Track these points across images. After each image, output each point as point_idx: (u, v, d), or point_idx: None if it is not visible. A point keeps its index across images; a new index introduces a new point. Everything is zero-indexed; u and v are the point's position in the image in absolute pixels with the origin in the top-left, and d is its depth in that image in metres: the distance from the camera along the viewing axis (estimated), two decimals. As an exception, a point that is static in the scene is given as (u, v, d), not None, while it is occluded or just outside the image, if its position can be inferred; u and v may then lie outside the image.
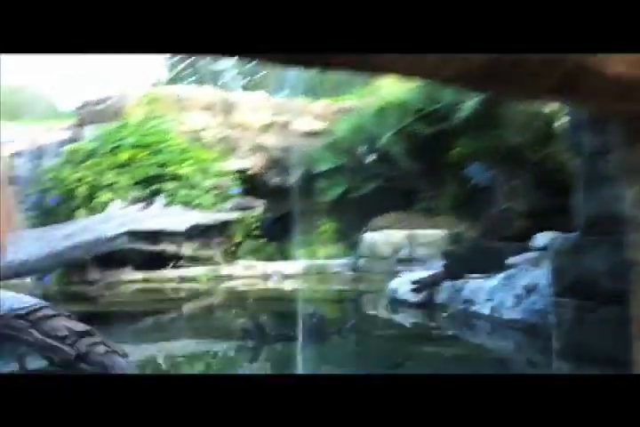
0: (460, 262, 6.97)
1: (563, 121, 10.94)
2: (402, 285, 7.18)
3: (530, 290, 5.88)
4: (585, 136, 4.12)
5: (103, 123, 11.06)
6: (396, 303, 7.05)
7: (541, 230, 7.61)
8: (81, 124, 12.39)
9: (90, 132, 11.04)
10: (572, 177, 9.98)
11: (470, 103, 10.50)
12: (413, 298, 6.87)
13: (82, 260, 8.54)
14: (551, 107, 10.80)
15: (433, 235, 9.83)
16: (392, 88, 12.97)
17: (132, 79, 14.00)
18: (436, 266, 9.11)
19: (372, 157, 11.56)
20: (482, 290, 6.31)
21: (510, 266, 6.51)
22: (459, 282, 6.63)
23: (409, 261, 9.62)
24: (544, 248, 6.47)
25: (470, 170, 10.87)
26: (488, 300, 6.17)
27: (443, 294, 6.73)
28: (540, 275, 5.87)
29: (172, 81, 17.24)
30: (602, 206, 3.83)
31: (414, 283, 6.93)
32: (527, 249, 6.82)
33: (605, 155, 3.88)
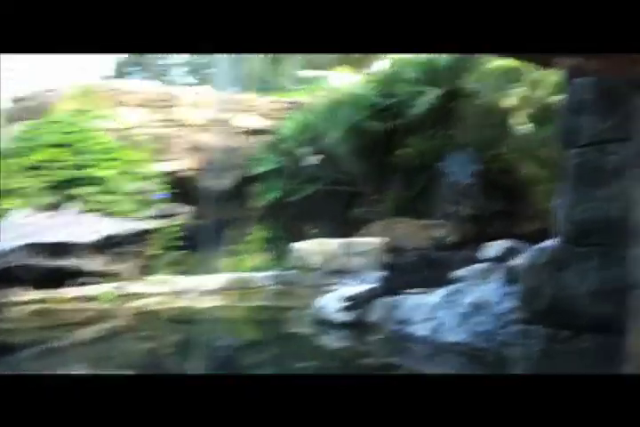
0: (400, 275, 6.02)
1: (518, 117, 10.03)
2: (332, 301, 6.18)
3: (477, 308, 5.01)
4: (587, 121, 3.32)
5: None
6: (324, 323, 6.03)
7: (488, 238, 6.76)
8: (11, 122, 11.26)
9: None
10: (522, 180, 9.19)
11: (425, 99, 9.49)
12: (344, 317, 5.85)
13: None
14: (510, 101, 9.83)
15: (370, 243, 8.77)
16: (344, 83, 11.97)
17: (73, 73, 12.95)
18: (374, 278, 8.14)
19: (312, 158, 10.53)
20: (421, 307, 5.38)
21: (456, 280, 5.60)
22: (395, 298, 5.70)
23: (343, 273, 8.57)
24: (495, 259, 5.64)
25: (447, 165, 9.82)
26: (428, 319, 5.25)
27: (377, 312, 5.76)
28: (490, 290, 5.08)
29: (119, 75, 16.16)
30: (596, 210, 3.10)
31: (346, 300, 5.94)
32: (475, 260, 5.89)
33: (608, 144, 3.13)
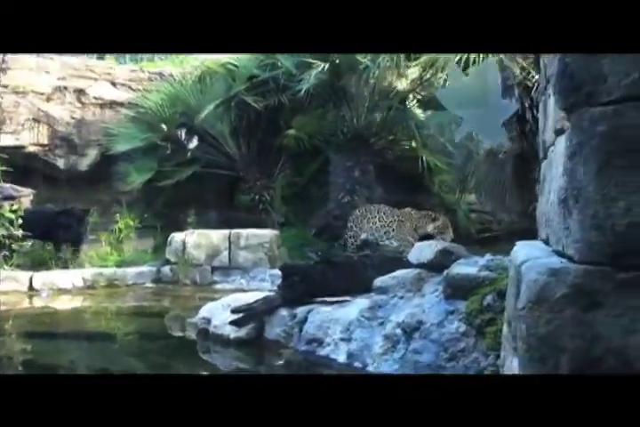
0: (303, 281, 4.82)
1: (413, 100, 9.39)
2: (217, 312, 4.93)
3: (410, 330, 3.92)
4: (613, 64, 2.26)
5: None
6: (209, 339, 4.75)
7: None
8: None
9: None
10: (421, 169, 8.55)
11: (313, 73, 8.46)
12: (234, 333, 4.62)
13: None
14: (406, 83, 9.13)
15: (260, 235, 7.65)
16: (217, 54, 10.68)
17: None
18: (263, 276, 7.10)
19: (187, 136, 9.20)
20: (334, 324, 4.27)
21: (377, 289, 4.51)
22: (300, 310, 4.57)
23: (228, 270, 7.39)
24: (426, 265, 4.54)
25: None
26: (343, 340, 4.17)
27: (276, 327, 4.56)
28: (426, 307, 3.97)
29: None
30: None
31: (235, 311, 4.71)
32: (401, 264, 4.82)
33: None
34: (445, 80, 9.15)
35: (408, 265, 4.84)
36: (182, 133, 9.40)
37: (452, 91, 5.68)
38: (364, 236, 7.34)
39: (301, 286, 4.81)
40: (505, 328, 2.85)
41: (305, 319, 4.47)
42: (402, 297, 4.35)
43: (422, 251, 4.94)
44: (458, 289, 3.95)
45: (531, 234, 3.93)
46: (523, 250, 2.74)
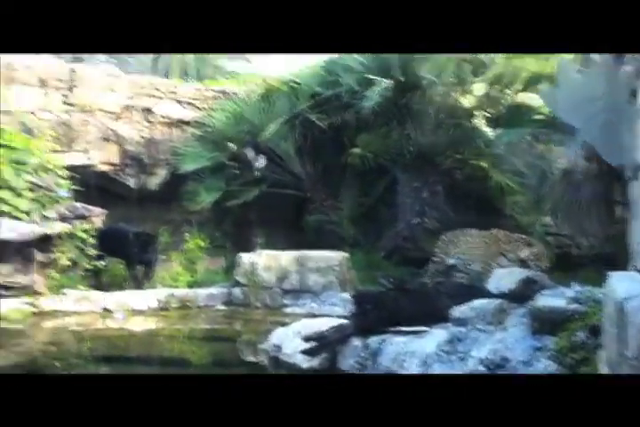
0: (376, 309, 4.75)
1: (481, 118, 9.21)
2: (288, 339, 4.91)
3: (493, 368, 3.80)
4: None
5: None
6: (281, 368, 4.73)
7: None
8: None
9: None
10: (493, 187, 8.35)
11: (377, 90, 8.39)
12: (306, 362, 4.58)
13: None
14: (472, 100, 8.96)
15: (329, 258, 7.60)
16: (280, 70, 10.72)
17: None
18: (334, 300, 7.04)
19: (255, 156, 9.24)
20: (410, 356, 4.18)
21: (456, 320, 4.41)
22: (373, 340, 4.48)
23: (298, 293, 7.36)
24: (508, 295, 4.41)
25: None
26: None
27: (349, 357, 4.51)
28: (510, 343, 3.84)
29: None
30: None
31: (307, 339, 4.66)
32: (480, 293, 4.68)
33: None
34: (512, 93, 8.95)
35: (487, 294, 4.73)
36: (248, 152, 9.45)
37: (562, 91, 4.97)
38: (451, 261, 7.20)
39: (374, 314, 4.73)
40: (605, 372, 2.72)
41: (379, 350, 4.37)
42: (483, 330, 4.23)
43: (502, 279, 4.82)
44: (545, 323, 3.81)
45: (615, 261, 3.75)
46: (621, 284, 2.61)
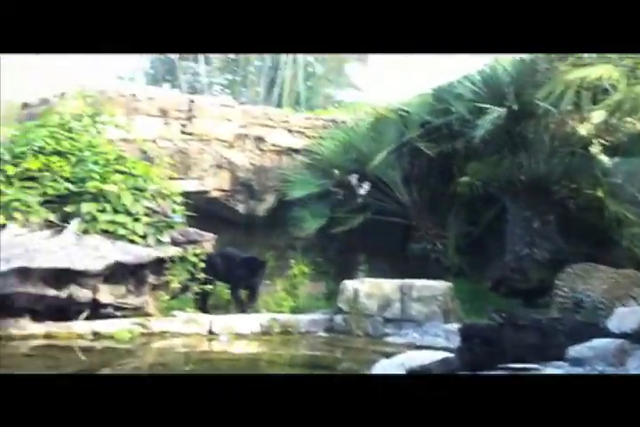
0: (485, 344, 4.51)
1: (598, 146, 8.79)
2: (391, 371, 4.74)
3: None
4: None
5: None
6: None
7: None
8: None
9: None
10: (609, 218, 7.89)
11: (488, 118, 8.20)
12: None
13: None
14: (590, 128, 8.57)
15: (433, 287, 7.42)
16: (389, 99, 10.75)
17: (86, 76, 11.60)
18: (437, 330, 6.85)
19: (360, 183, 9.27)
20: None
21: (572, 360, 4.11)
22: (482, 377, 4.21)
23: (400, 322, 7.21)
24: (631, 335, 4.10)
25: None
26: None
27: None
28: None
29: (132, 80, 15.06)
30: None
31: (410, 373, 4.48)
32: (599, 332, 4.38)
33: None
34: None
35: (607, 333, 4.42)
36: (354, 180, 9.49)
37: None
38: (579, 296, 6.82)
39: (482, 350, 4.51)
40: None
41: (488, 388, 4.17)
42: (602, 372, 3.94)
43: (625, 318, 4.50)
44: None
45: None
46: None
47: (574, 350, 4.20)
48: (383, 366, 4.94)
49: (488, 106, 8.37)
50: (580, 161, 8.35)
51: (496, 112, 8.31)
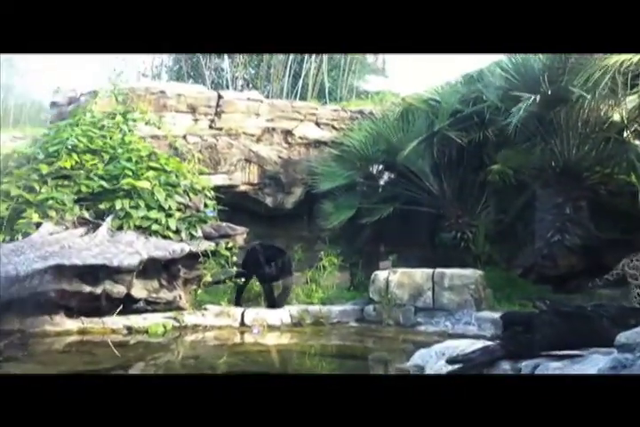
0: (527, 332, 4.43)
1: (633, 131, 8.60)
2: (430, 360, 4.73)
3: None
4: None
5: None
6: None
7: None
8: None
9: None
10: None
11: (520, 106, 8.04)
12: None
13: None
14: (624, 113, 8.38)
15: (464, 276, 7.36)
16: (418, 89, 10.65)
17: (113, 75, 11.62)
18: (469, 319, 6.80)
19: (388, 174, 9.22)
20: None
21: (620, 347, 4.02)
22: (525, 364, 4.14)
23: (432, 311, 7.17)
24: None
25: None
26: None
27: None
28: None
29: (157, 77, 15.15)
30: None
31: (452, 362, 4.43)
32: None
33: None
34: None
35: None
36: (383, 171, 9.45)
37: None
38: None
39: (525, 338, 4.39)
40: None
41: (534, 375, 4.09)
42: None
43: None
44: None
45: None
46: None
47: (624, 336, 4.10)
48: (422, 355, 4.93)
49: (520, 93, 8.22)
50: (613, 146, 8.17)
51: (529, 99, 8.15)
